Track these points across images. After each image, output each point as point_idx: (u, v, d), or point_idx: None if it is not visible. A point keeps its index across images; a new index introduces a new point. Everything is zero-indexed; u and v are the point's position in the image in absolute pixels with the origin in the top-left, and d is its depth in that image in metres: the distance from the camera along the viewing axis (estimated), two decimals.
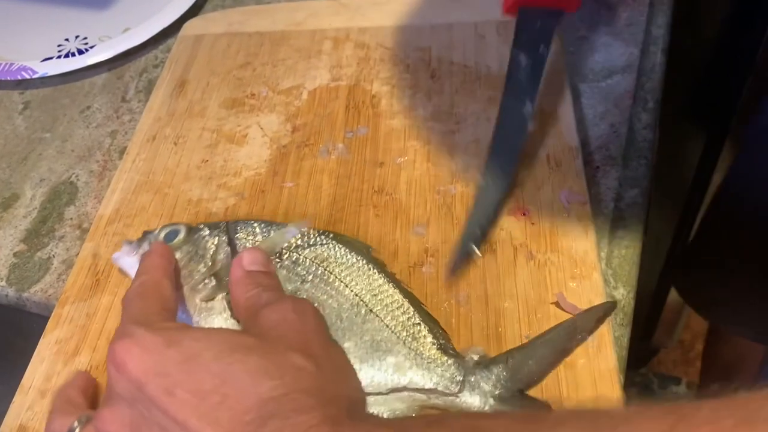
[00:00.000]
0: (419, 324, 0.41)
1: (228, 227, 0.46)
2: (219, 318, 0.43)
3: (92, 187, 0.58)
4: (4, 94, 0.68)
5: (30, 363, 0.45)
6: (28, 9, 0.77)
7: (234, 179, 0.54)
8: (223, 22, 0.69)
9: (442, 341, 0.40)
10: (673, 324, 1.31)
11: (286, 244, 0.45)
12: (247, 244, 0.45)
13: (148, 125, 0.60)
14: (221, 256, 0.45)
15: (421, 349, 0.40)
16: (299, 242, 0.45)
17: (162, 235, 0.46)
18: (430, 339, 0.40)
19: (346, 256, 0.44)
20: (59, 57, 0.69)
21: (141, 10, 0.73)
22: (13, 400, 0.43)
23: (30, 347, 0.47)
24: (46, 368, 0.44)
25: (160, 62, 0.69)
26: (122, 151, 0.60)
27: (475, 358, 0.38)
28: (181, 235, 0.46)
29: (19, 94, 0.68)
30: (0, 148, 0.63)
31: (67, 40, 0.72)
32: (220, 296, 0.43)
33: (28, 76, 0.67)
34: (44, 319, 0.48)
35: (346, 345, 0.40)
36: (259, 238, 0.45)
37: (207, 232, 0.46)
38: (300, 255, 0.44)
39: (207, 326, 0.42)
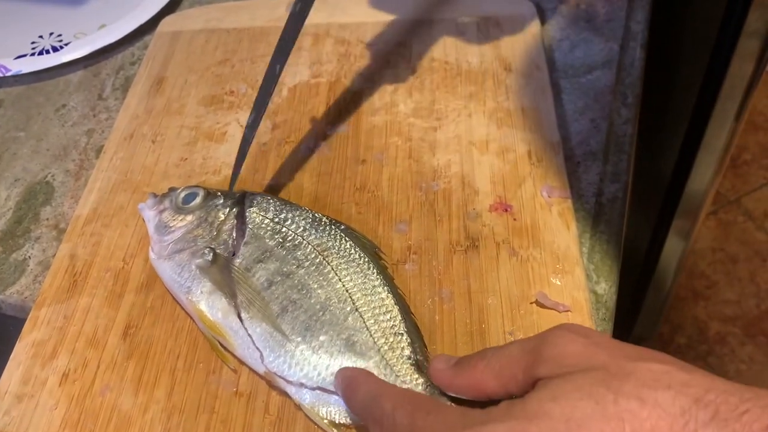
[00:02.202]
0: (401, 335, 0.40)
1: (243, 199, 0.47)
2: (211, 287, 0.43)
3: (69, 187, 0.57)
4: None
5: (6, 367, 0.44)
6: (1, 5, 0.76)
7: (214, 177, 0.54)
8: (200, 18, 0.68)
9: (419, 357, 0.40)
10: (653, 317, 1.32)
11: (293, 226, 0.45)
12: (257, 219, 0.45)
13: (125, 123, 0.59)
14: (226, 227, 0.45)
15: (394, 361, 0.39)
16: (307, 226, 0.45)
17: (182, 196, 0.47)
18: (407, 353, 0.40)
19: (350, 251, 0.44)
20: (33, 54, 0.68)
21: (117, 6, 0.72)
22: None
23: (5, 350, 0.46)
24: (23, 372, 0.43)
25: (137, 59, 0.68)
26: (99, 150, 0.59)
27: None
28: (198, 199, 0.47)
29: None
30: None
31: (41, 37, 0.71)
32: (214, 266, 0.44)
33: (1, 74, 0.66)
34: (20, 322, 0.47)
35: (322, 338, 0.40)
36: (270, 215, 0.45)
37: (221, 201, 0.47)
38: (304, 240, 0.44)
39: (197, 293, 0.43)
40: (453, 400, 0.37)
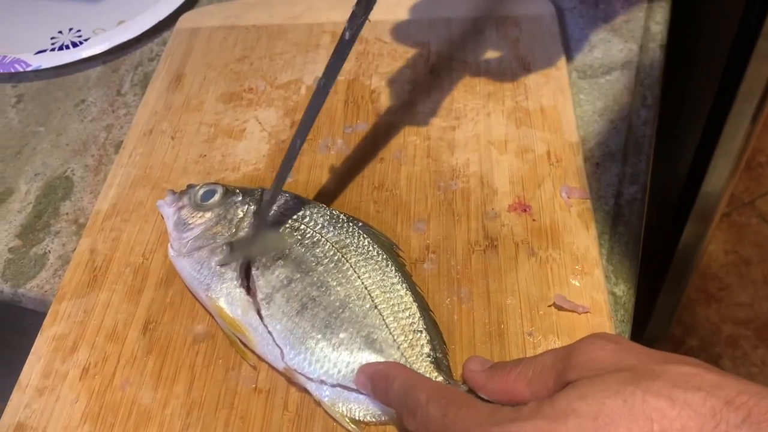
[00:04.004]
0: (420, 332, 0.40)
1: (262, 196, 0.47)
2: (230, 284, 0.43)
3: (88, 182, 0.57)
4: None
5: (27, 360, 0.44)
6: (21, 0, 0.76)
7: (232, 174, 0.54)
8: (219, 15, 0.68)
9: (438, 354, 0.40)
10: (666, 318, 1.31)
11: (312, 223, 0.45)
12: (277, 216, 0.45)
13: (144, 119, 0.59)
14: (245, 224, 0.45)
15: (414, 359, 0.39)
16: (325, 223, 0.45)
17: (200, 193, 0.48)
18: (426, 350, 0.40)
19: (368, 248, 0.44)
20: (53, 50, 0.68)
21: (136, 2, 0.72)
22: (11, 398, 0.43)
23: (25, 343, 0.46)
24: (44, 365, 0.44)
25: (155, 55, 0.68)
26: (118, 145, 0.59)
27: (465, 387, 0.38)
28: (217, 197, 0.47)
29: (12, 87, 0.67)
30: None
31: (60, 32, 0.71)
32: (234, 264, 0.44)
33: (21, 69, 0.66)
34: (39, 315, 0.48)
35: (342, 335, 0.40)
36: (288, 212, 0.46)
37: (240, 198, 0.47)
38: (323, 237, 0.44)
39: (216, 290, 0.43)
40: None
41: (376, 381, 0.38)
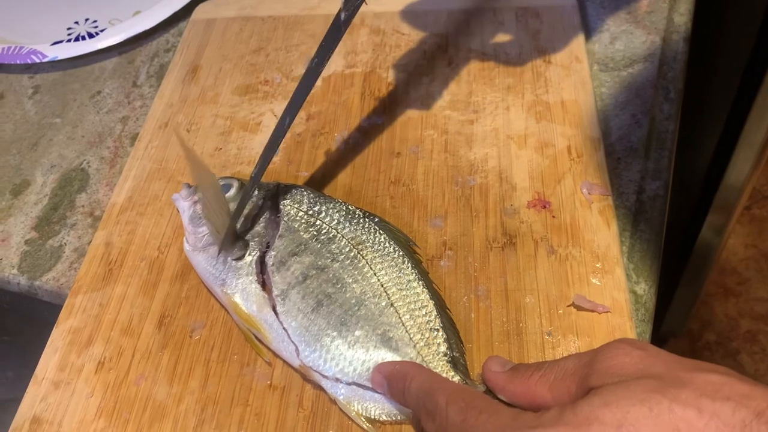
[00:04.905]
0: (437, 330, 0.40)
1: (278, 190, 0.46)
2: (245, 279, 0.43)
3: (104, 174, 0.57)
4: (13, 78, 0.67)
5: (43, 353, 0.44)
6: None
7: (248, 168, 0.53)
8: (235, 5, 0.68)
9: (455, 353, 0.39)
10: (683, 312, 1.30)
11: (327, 219, 0.44)
12: (291, 212, 0.45)
13: (160, 111, 0.59)
14: (261, 218, 0.45)
15: (430, 357, 0.39)
16: (341, 219, 0.44)
17: None
18: (443, 349, 0.39)
19: (384, 245, 0.43)
20: (69, 41, 0.68)
21: None
22: (27, 390, 0.43)
23: (40, 334, 0.46)
24: (59, 359, 0.44)
25: (171, 46, 0.68)
26: (134, 138, 0.59)
27: (483, 387, 0.37)
28: (233, 191, 0.46)
29: (29, 78, 0.67)
30: (10, 133, 0.62)
31: (76, 23, 0.71)
32: (249, 259, 0.43)
33: (37, 60, 0.66)
34: (55, 308, 0.48)
35: (357, 333, 0.40)
36: (304, 208, 0.45)
37: (256, 192, 0.46)
38: (339, 233, 0.44)
39: (232, 285, 0.43)
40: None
41: (392, 381, 0.37)
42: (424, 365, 0.38)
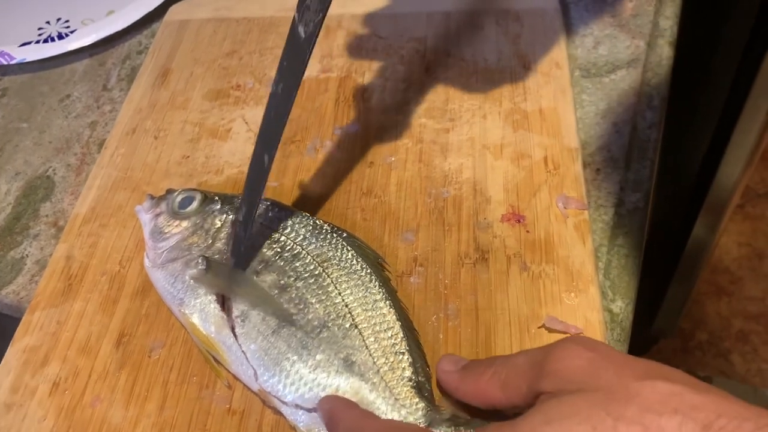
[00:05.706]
0: (402, 354, 0.38)
1: (240, 205, 0.44)
2: (204, 299, 0.41)
3: (69, 182, 0.55)
4: None
5: None
6: None
7: (215, 177, 0.52)
8: (209, 6, 0.66)
9: (420, 379, 0.38)
10: (675, 311, 1.29)
11: (293, 234, 0.43)
12: (255, 227, 0.43)
13: (128, 117, 0.57)
14: (222, 235, 0.43)
15: (394, 383, 0.37)
16: (307, 234, 0.43)
17: (178, 200, 0.45)
18: (407, 374, 0.38)
19: (351, 262, 0.42)
20: (38, 42, 0.66)
21: None
22: None
23: (2, 347, 0.45)
24: (12, 380, 0.42)
25: (144, 48, 0.66)
26: (101, 144, 0.57)
27: (447, 414, 0.36)
28: (195, 204, 0.45)
29: None
30: None
31: (48, 23, 0.69)
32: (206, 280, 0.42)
33: (5, 62, 0.64)
34: (14, 321, 0.46)
35: (319, 357, 0.38)
36: (268, 223, 0.44)
37: (218, 206, 0.45)
38: (303, 249, 0.42)
39: (190, 305, 0.41)
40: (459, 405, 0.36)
41: (326, 421, 0.36)
42: (388, 391, 0.37)
